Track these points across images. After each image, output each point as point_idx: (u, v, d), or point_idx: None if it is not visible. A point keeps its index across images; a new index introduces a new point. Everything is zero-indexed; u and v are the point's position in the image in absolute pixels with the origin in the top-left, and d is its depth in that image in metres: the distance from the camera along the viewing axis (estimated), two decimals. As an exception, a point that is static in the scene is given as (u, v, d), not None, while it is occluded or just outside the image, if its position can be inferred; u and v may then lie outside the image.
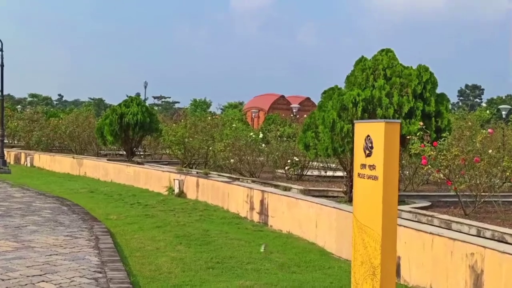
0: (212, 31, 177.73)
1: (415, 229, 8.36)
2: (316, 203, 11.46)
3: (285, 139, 19.89)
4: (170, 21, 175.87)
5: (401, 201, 11.01)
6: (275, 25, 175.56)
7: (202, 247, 10.31)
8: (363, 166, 5.56)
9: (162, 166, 21.98)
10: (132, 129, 23.60)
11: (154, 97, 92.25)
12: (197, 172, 18.97)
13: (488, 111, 24.67)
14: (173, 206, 15.54)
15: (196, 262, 9.14)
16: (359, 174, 5.66)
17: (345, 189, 12.20)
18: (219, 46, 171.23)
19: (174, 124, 24.82)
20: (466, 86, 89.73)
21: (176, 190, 17.89)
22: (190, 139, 20.96)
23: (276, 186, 14.46)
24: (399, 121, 5.99)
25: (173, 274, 8.35)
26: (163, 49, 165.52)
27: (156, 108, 70.22)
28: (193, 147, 20.85)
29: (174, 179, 18.27)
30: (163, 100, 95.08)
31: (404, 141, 10.68)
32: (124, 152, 25.82)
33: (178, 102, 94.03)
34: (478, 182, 9.71)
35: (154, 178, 20.06)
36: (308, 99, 62.60)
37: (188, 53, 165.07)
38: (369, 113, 10.99)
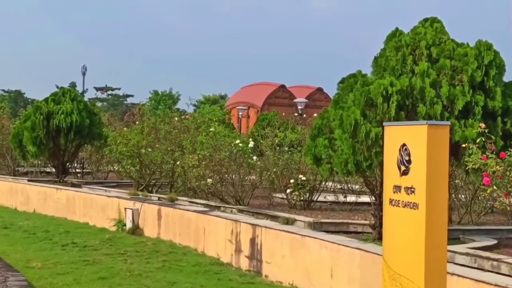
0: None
1: (474, 280, 8.39)
2: (332, 242, 11.47)
3: (286, 149, 19.88)
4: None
5: (454, 239, 11.05)
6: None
7: (165, 308, 10.28)
8: (397, 188, 5.59)
9: (108, 189, 21.88)
10: (64, 135, 23.43)
11: (97, 89, 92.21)
12: (159, 198, 18.94)
13: None
14: (123, 248, 15.49)
15: (157, 330, 9.13)
16: (391, 201, 5.68)
17: (373, 222, 12.23)
18: (193, 16, 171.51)
19: (125, 128, 24.77)
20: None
21: (129, 224, 17.85)
22: (149, 149, 20.92)
23: (273, 218, 14.46)
24: (449, 123, 6.03)
25: None
26: (110, 20, 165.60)
27: (99, 104, 70.37)
28: (153, 161, 20.81)
29: (125, 208, 18.23)
30: (109, 92, 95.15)
31: (457, 152, 10.74)
32: (53, 169, 25.70)
33: (132, 96, 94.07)
34: None
35: (96, 207, 20.01)
36: (319, 90, 62.81)
37: (147, 25, 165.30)
38: (407, 111, 11.06)
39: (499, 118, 11.15)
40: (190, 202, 17.81)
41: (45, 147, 23.69)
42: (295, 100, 51.58)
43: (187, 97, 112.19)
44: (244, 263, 13.72)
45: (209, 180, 17.88)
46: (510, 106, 11.34)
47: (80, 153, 26.39)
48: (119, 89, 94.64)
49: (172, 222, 16.75)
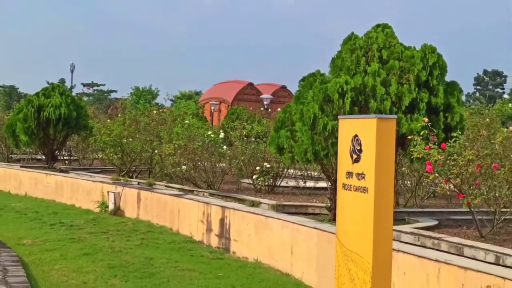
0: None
1: (417, 256, 8.44)
2: (292, 222, 11.49)
3: (253, 139, 19.89)
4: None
5: (400, 220, 11.13)
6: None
7: (143, 281, 10.24)
8: (350, 174, 5.59)
9: (93, 174, 21.83)
10: (53, 126, 23.28)
11: (84, 85, 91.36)
12: (138, 183, 18.87)
13: (510, 104, 25.10)
14: (106, 227, 15.41)
15: (135, 300, 9.08)
16: (344, 185, 5.69)
17: (329, 204, 12.27)
18: (168, 18, 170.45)
19: (108, 120, 24.65)
20: (485, 72, 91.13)
21: (111, 206, 17.75)
22: (130, 139, 20.82)
23: (241, 201, 14.47)
24: (395, 116, 6.04)
25: (104, 317, 8.28)
26: (96, 22, 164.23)
27: (85, 98, 69.65)
28: (134, 150, 20.71)
29: (108, 192, 18.13)
30: (95, 88, 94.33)
31: (404, 142, 10.81)
32: (43, 157, 25.51)
33: (115, 91, 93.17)
34: (497, 195, 9.84)
35: (82, 191, 19.88)
36: (283, 88, 62.83)
37: (129, 28, 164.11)
38: (360, 106, 11.08)
39: (441, 113, 11.22)
40: (166, 186, 17.78)
41: (36, 137, 23.52)
42: (261, 96, 51.55)
43: (165, 92, 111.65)
44: (214, 241, 13.71)
45: (183, 167, 17.84)
46: (451, 103, 11.42)
47: (67, 142, 26.21)
48: (104, 85, 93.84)
49: (150, 204, 16.68)
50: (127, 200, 17.63)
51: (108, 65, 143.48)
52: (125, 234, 14.55)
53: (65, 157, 27.74)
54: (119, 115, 24.30)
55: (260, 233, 12.33)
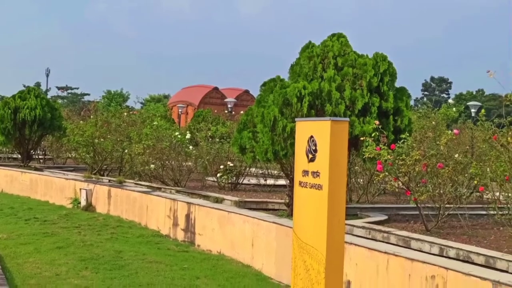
0: (133, 7, 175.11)
1: (368, 248, 8.50)
2: (253, 217, 11.50)
3: (217, 140, 19.86)
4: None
5: (353, 215, 11.21)
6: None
7: (113, 272, 10.15)
8: (306, 173, 5.61)
9: (66, 172, 21.62)
10: (29, 127, 23.16)
11: (59, 88, 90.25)
12: (109, 180, 18.72)
13: (455, 109, 25.42)
14: (78, 222, 15.25)
15: (105, 291, 9.00)
16: (300, 183, 5.70)
17: (287, 201, 12.29)
18: (140, 26, 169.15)
19: (81, 121, 24.39)
20: (432, 78, 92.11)
21: (83, 203, 17.58)
22: (101, 139, 20.63)
23: (205, 198, 14.44)
24: (348, 119, 6.07)
25: (75, 306, 8.19)
26: (71, 28, 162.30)
27: (60, 101, 68.86)
28: (105, 149, 20.53)
29: (80, 189, 17.95)
30: (69, 91, 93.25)
31: (357, 143, 10.88)
32: (19, 156, 25.22)
33: (88, 94, 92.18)
34: (442, 192, 9.97)
35: (55, 188, 19.65)
36: (246, 92, 62.80)
37: (103, 34, 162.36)
38: (317, 110, 11.12)
39: (391, 117, 11.32)
40: (135, 184, 17.67)
41: (12, 137, 23.38)
42: (226, 100, 51.48)
43: (135, 96, 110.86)
44: (180, 235, 13.65)
45: (152, 166, 17.74)
46: (400, 107, 11.52)
47: (42, 142, 25.94)
48: (77, 88, 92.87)
49: (120, 200, 16.55)
50: (98, 196, 17.46)
51: (82, 69, 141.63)
52: (96, 229, 14.41)
53: (39, 156, 27.38)
54: (92, 117, 24.00)
55: (223, 228, 12.31)
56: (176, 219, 13.90)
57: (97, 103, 38.14)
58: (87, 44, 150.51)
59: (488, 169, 9.69)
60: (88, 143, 20.65)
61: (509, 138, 8.08)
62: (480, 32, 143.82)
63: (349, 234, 9.40)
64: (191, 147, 18.70)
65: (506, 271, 7.15)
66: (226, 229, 12.21)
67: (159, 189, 16.47)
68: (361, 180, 14.89)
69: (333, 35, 12.14)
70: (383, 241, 9.10)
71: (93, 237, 13.28)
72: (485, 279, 6.72)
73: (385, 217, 11.04)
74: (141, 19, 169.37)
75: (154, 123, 21.29)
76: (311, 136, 5.55)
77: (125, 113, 24.29)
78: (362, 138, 10.26)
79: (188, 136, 19.56)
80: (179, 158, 17.75)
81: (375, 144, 9.84)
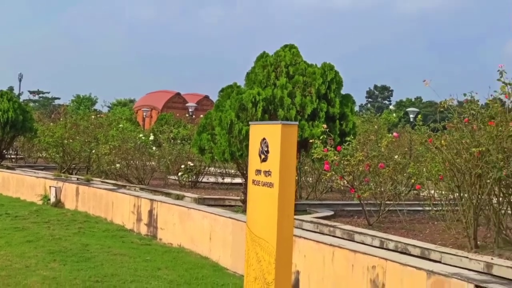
0: (96, 13, 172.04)
1: (316, 241, 8.55)
2: (211, 213, 11.46)
3: (179, 141, 19.76)
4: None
5: (303, 211, 11.26)
6: (173, 5, 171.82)
7: (80, 264, 10.01)
8: (258, 172, 5.62)
9: (37, 171, 21.29)
10: (1, 128, 22.80)
11: (30, 92, 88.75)
12: (77, 179, 18.47)
13: (395, 114, 25.75)
14: (48, 218, 14.97)
15: (72, 282, 8.86)
16: (253, 181, 5.71)
17: (243, 197, 12.27)
18: (107, 33, 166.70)
19: (52, 124, 24.08)
20: (375, 87, 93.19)
21: (52, 199, 17.30)
22: (70, 140, 20.41)
23: (167, 195, 14.34)
24: (297, 123, 6.11)
25: (44, 296, 8.05)
26: (42, 34, 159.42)
27: (32, 104, 67.64)
28: (74, 149, 20.31)
29: (50, 187, 17.66)
30: (40, 95, 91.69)
31: (307, 145, 10.93)
32: (-8, 155, 24.74)
33: (59, 98, 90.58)
34: (382, 189, 10.09)
35: (26, 185, 19.30)
36: (206, 97, 62.50)
37: (72, 40, 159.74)
38: (270, 114, 11.14)
39: (337, 121, 11.40)
40: (102, 182, 17.46)
41: (-14, 138, 22.92)
42: (187, 105, 51.13)
43: (103, 100, 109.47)
44: (144, 229, 13.53)
45: (117, 165, 17.59)
46: (346, 112, 11.61)
47: (14, 143, 25.54)
48: (48, 92, 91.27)
49: (87, 197, 16.31)
50: (67, 193, 17.20)
51: (54, 74, 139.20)
52: (64, 224, 14.18)
53: (12, 156, 26.90)
54: (61, 119, 23.73)
55: (183, 223, 12.24)
56: (139, 214, 13.77)
57: (66, 107, 37.70)
58: (58, 49, 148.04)
59: (424, 169, 9.82)
60: (58, 143, 20.43)
61: (442, 141, 8.20)
62: (420, 44, 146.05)
63: (299, 228, 9.44)
64: (154, 148, 18.57)
65: (439, 262, 7.27)
66: (186, 224, 12.14)
67: (124, 186, 16.31)
68: (310, 179, 14.97)
69: (286, 46, 12.18)
70: (329, 235, 9.15)
71: (61, 232, 13.07)
72: (420, 268, 6.82)
73: (332, 213, 11.11)
74: (107, 26, 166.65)
75: (120, 125, 21.15)
76: (264, 138, 5.56)
77: (93, 116, 24.09)
78: (311, 141, 10.30)
79: (151, 137, 19.42)
80: (143, 158, 17.61)
81: (323, 146, 9.90)
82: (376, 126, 17.38)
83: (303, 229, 9.49)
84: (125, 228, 14.00)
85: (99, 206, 15.61)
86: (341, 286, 7.90)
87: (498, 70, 7.66)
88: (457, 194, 8.18)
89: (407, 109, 41.08)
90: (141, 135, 19.16)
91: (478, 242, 7.71)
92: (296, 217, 9.64)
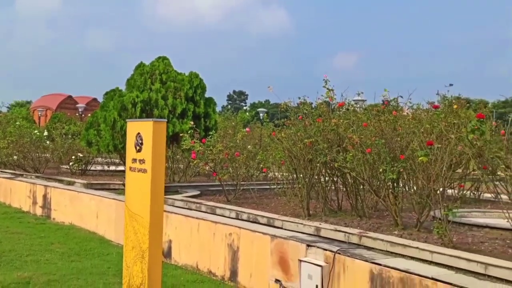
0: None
1: (184, 215, 8.54)
2: (97, 195, 11.10)
3: (70, 136, 18.85)
4: None
5: (175, 191, 11.18)
6: (62, 25, 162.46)
7: (-21, 243, 9.32)
8: (134, 160, 5.51)
9: None
10: None
11: None
12: (-22, 169, 17.14)
13: (248, 113, 26.27)
14: (-50, 204, 13.82)
15: (-28, 258, 8.23)
16: (130, 168, 5.60)
17: (124, 182, 11.96)
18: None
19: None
20: (234, 91, 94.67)
21: (-45, 188, 15.91)
22: (-29, 136, 18.81)
23: (60, 181, 13.67)
24: (166, 120, 6.06)
25: None
26: None
27: None
28: (-26, 144, 18.75)
29: (-48, 177, 16.23)
30: None
31: (178, 138, 10.87)
32: None
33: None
34: (238, 173, 10.24)
35: None
36: (95, 99, 59.99)
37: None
38: (147, 113, 10.97)
39: (202, 119, 11.48)
40: (1, 171, 16.32)
41: None
42: (77, 105, 49.06)
43: (1, 101, 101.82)
44: (39, 211, 12.82)
45: (15, 157, 16.54)
46: (209, 112, 11.71)
47: None
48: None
49: (-13, 185, 15.20)
50: (-32, 182, 15.91)
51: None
52: (-34, 209, 13.14)
53: None
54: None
55: (74, 204, 11.74)
56: (35, 198, 13.02)
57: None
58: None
59: (270, 156, 10.08)
60: (-41, 139, 18.75)
61: (283, 134, 8.46)
62: (273, 58, 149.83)
63: (171, 206, 9.37)
64: (48, 142, 17.64)
65: (281, 228, 7.51)
66: (76, 205, 11.66)
67: (21, 175, 15.35)
68: (181, 166, 14.86)
69: (159, 57, 12.05)
70: (196, 210, 9.15)
71: (-37, 216, 12.09)
72: (266, 234, 7.01)
73: (198, 192, 11.12)
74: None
75: (17, 123, 19.81)
76: (138, 133, 5.45)
77: (-8, 115, 22.40)
78: (181, 135, 10.27)
79: (45, 133, 18.42)
80: (38, 151, 16.70)
81: (190, 138, 9.89)
82: (233, 123, 17.60)
83: (175, 206, 9.43)
84: (22, 211, 13.22)
85: (-1, 193, 14.60)
86: (205, 250, 7.95)
87: (324, 79, 8.03)
88: (295, 175, 8.48)
89: (258, 109, 42.03)
90: (36, 131, 18.10)
91: (310, 212, 8.04)
92: (169, 196, 9.58)
